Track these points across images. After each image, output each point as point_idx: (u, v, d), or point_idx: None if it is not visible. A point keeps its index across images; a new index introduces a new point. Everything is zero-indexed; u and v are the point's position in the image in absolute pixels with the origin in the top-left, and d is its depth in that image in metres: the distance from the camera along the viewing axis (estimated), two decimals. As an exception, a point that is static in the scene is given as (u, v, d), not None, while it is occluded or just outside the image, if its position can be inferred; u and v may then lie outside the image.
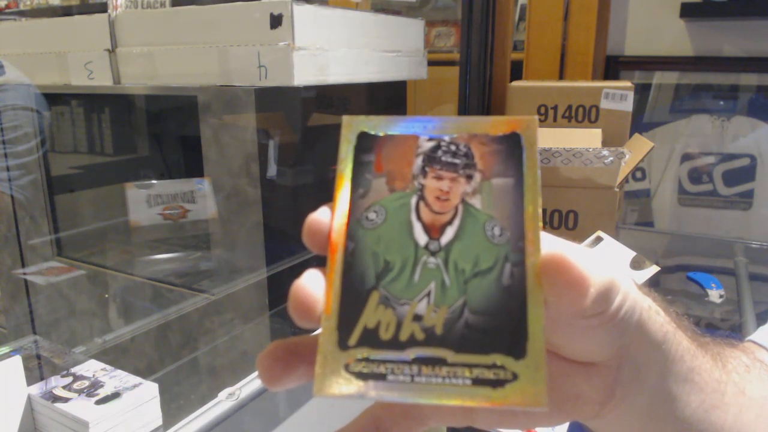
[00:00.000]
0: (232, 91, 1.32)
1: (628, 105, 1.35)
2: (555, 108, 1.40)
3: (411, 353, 0.25)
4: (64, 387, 0.81)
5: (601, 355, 0.31)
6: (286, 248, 1.47)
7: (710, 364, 0.34)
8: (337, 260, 0.27)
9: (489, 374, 0.24)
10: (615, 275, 0.28)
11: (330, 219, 0.28)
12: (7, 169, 1.55)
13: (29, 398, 0.80)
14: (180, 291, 1.52)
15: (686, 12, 1.62)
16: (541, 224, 0.27)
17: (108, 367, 0.87)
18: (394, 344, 0.25)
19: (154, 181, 1.54)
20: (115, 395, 0.79)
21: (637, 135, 1.43)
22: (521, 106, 1.43)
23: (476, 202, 0.27)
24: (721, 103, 1.69)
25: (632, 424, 0.33)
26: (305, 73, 1.19)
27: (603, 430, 0.35)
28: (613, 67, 1.72)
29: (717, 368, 0.35)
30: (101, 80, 1.38)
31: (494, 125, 0.29)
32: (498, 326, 0.25)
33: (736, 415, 0.35)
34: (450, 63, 1.76)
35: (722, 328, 1.12)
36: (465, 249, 0.27)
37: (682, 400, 0.33)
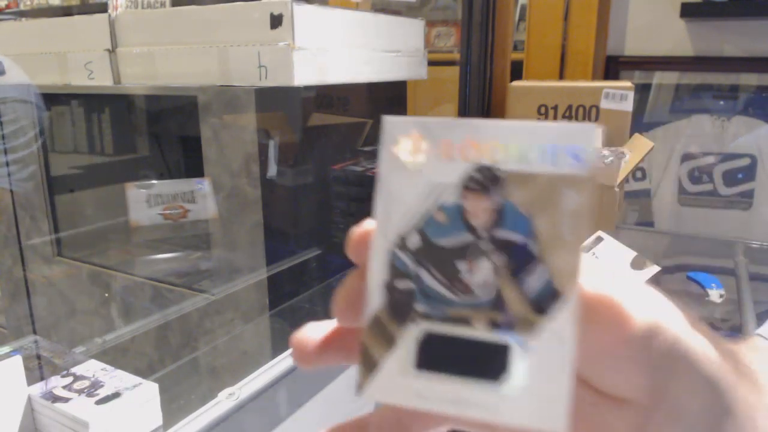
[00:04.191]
0: (232, 91, 1.32)
1: (628, 105, 1.35)
2: (555, 108, 1.40)
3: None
4: (64, 387, 0.81)
5: (633, 392, 0.29)
6: (286, 248, 1.47)
7: (747, 390, 0.32)
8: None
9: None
10: (660, 317, 0.27)
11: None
12: (8, 169, 1.55)
13: (29, 398, 0.80)
14: (180, 291, 1.52)
15: (686, 12, 1.61)
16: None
17: (108, 367, 0.87)
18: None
19: (154, 181, 1.54)
20: (115, 395, 0.79)
21: (637, 135, 1.43)
22: (521, 106, 1.43)
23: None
24: (722, 103, 1.69)
25: None
26: (305, 73, 1.19)
27: None
28: (613, 67, 1.72)
29: (753, 394, 0.33)
30: (101, 80, 1.38)
31: None
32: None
33: None
34: (450, 63, 1.76)
35: (722, 328, 1.12)
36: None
37: None
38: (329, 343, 0.28)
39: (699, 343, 0.29)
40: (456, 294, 0.26)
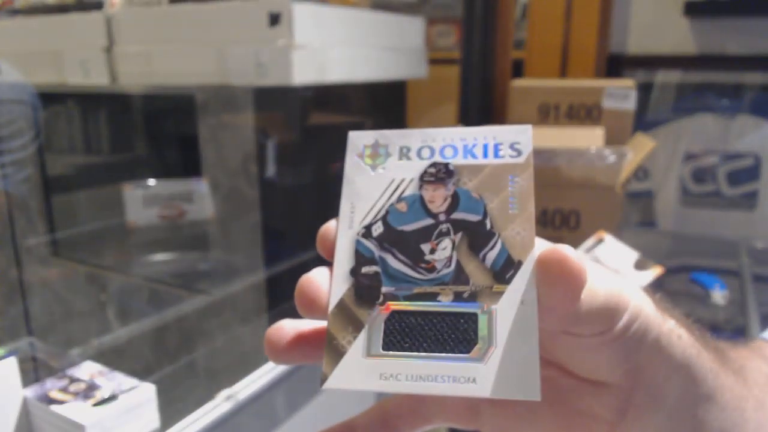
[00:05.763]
0: (231, 91, 1.31)
1: (630, 104, 1.34)
2: (557, 107, 1.39)
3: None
4: (60, 389, 0.80)
5: (610, 375, 0.30)
6: (284, 249, 1.46)
7: (732, 381, 0.33)
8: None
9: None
10: (623, 294, 0.27)
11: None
12: (3, 171, 1.54)
13: (25, 400, 0.79)
14: (177, 292, 1.51)
15: (690, 10, 1.61)
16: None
17: (105, 369, 0.86)
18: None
19: (151, 182, 1.53)
20: (112, 397, 0.78)
21: (639, 134, 1.42)
22: (522, 104, 1.42)
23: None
24: (725, 101, 1.68)
25: None
26: (304, 72, 1.18)
27: None
28: (615, 65, 1.71)
29: (738, 384, 0.34)
30: (98, 79, 1.37)
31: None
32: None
33: (755, 431, 0.34)
34: (450, 61, 1.75)
35: (726, 330, 1.12)
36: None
37: (702, 421, 0.32)
38: (302, 341, 0.28)
39: (670, 327, 0.30)
40: (421, 273, 0.27)
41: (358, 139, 0.31)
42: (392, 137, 0.30)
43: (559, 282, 0.25)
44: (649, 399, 0.30)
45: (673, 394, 0.31)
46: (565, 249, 0.25)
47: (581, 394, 0.31)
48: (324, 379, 0.25)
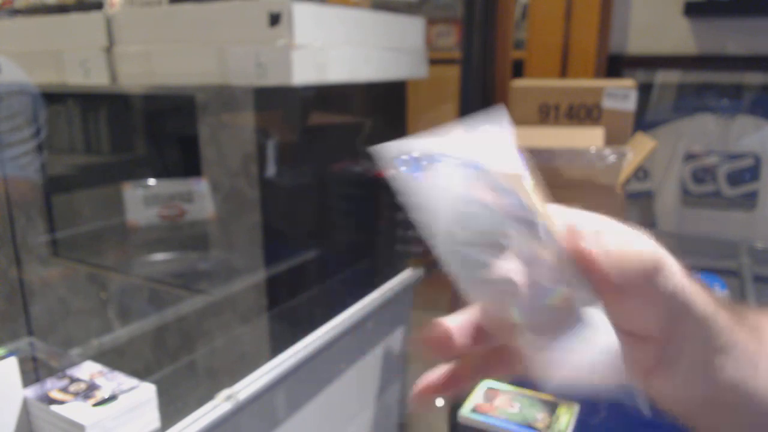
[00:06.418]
0: (231, 91, 1.31)
1: (630, 104, 1.34)
2: (557, 107, 1.39)
3: None
4: (60, 389, 0.80)
5: (650, 331, 0.36)
6: (284, 249, 1.46)
7: (746, 337, 0.38)
8: None
9: None
10: (661, 257, 0.34)
11: None
12: (2, 170, 1.54)
13: (25, 401, 0.79)
14: (178, 292, 1.51)
15: (690, 10, 1.61)
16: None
17: (105, 369, 0.86)
18: None
19: (151, 181, 1.53)
20: (112, 398, 0.78)
21: (639, 134, 1.42)
22: (523, 105, 1.42)
23: None
24: (725, 102, 1.68)
25: (674, 387, 0.38)
26: (304, 72, 1.18)
27: (649, 391, 0.39)
28: (615, 65, 1.71)
29: (753, 341, 0.39)
30: (98, 79, 1.37)
31: None
32: None
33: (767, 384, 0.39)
34: (451, 62, 1.75)
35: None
36: None
37: (718, 369, 0.37)
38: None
39: (694, 286, 0.36)
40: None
41: (394, 152, 0.31)
42: (427, 147, 0.32)
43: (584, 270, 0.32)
44: (678, 349, 0.37)
45: (696, 347, 0.37)
46: (574, 236, 0.33)
47: (631, 346, 0.36)
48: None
